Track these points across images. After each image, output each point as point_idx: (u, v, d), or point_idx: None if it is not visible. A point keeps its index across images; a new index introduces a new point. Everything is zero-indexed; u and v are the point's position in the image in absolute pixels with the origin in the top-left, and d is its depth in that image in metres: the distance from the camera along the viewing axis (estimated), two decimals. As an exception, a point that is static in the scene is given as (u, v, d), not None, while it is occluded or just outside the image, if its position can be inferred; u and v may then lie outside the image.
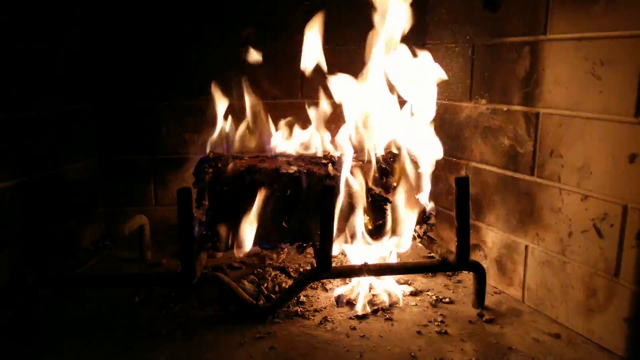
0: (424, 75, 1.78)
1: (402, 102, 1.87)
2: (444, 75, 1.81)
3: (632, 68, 1.30)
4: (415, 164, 1.78)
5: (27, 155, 1.70)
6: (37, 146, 1.75)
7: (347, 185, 1.68)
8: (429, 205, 1.78)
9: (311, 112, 1.96)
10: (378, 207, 1.70)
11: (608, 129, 1.38)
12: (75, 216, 1.97)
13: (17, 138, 1.66)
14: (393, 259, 1.80)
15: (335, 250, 1.73)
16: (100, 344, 1.45)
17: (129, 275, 1.76)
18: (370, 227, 1.72)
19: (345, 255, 1.81)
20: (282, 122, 2.02)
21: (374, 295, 1.72)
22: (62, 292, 1.73)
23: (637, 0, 1.29)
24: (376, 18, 1.78)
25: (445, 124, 2.03)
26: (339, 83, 1.87)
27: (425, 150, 1.78)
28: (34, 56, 1.74)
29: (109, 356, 1.40)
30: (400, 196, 1.73)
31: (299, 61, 1.92)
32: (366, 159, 1.79)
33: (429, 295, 1.75)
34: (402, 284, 1.82)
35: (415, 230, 1.78)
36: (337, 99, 1.89)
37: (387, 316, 1.61)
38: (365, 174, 1.71)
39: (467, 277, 1.87)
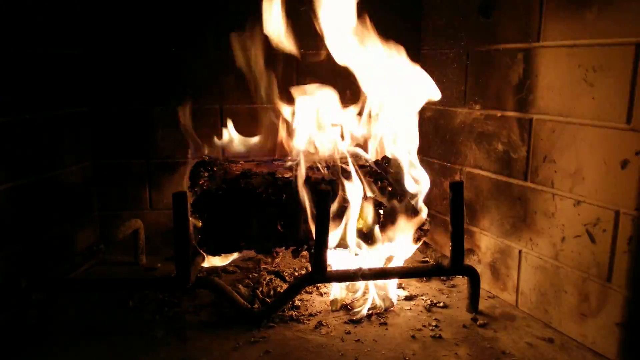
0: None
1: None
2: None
3: (624, 74, 1.31)
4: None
5: (22, 159, 1.70)
6: (31, 150, 1.75)
7: (343, 189, 1.68)
8: (424, 211, 1.78)
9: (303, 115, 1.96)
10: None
11: (600, 135, 1.39)
12: (70, 220, 1.96)
13: (12, 141, 1.65)
14: (388, 264, 1.80)
15: (330, 254, 1.73)
16: (94, 349, 1.45)
17: (123, 280, 1.76)
18: (365, 231, 1.72)
19: (340, 259, 1.81)
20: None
21: (368, 299, 1.72)
22: (56, 297, 1.72)
23: (629, 7, 1.30)
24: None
25: (440, 129, 2.04)
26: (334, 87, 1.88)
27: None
28: (28, 59, 1.73)
29: (103, 360, 1.40)
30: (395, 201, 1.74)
31: (296, 64, 1.92)
32: (361, 163, 1.79)
33: (423, 299, 1.76)
34: (396, 288, 1.82)
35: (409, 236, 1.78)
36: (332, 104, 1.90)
37: (382, 320, 1.62)
38: (360, 179, 1.72)
39: (461, 281, 1.88)
